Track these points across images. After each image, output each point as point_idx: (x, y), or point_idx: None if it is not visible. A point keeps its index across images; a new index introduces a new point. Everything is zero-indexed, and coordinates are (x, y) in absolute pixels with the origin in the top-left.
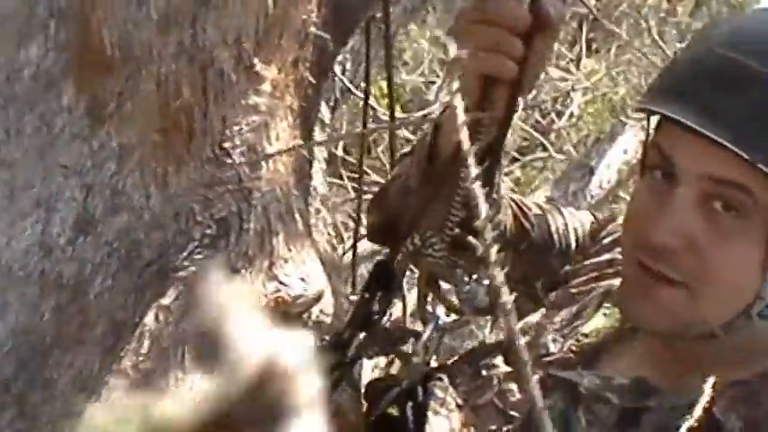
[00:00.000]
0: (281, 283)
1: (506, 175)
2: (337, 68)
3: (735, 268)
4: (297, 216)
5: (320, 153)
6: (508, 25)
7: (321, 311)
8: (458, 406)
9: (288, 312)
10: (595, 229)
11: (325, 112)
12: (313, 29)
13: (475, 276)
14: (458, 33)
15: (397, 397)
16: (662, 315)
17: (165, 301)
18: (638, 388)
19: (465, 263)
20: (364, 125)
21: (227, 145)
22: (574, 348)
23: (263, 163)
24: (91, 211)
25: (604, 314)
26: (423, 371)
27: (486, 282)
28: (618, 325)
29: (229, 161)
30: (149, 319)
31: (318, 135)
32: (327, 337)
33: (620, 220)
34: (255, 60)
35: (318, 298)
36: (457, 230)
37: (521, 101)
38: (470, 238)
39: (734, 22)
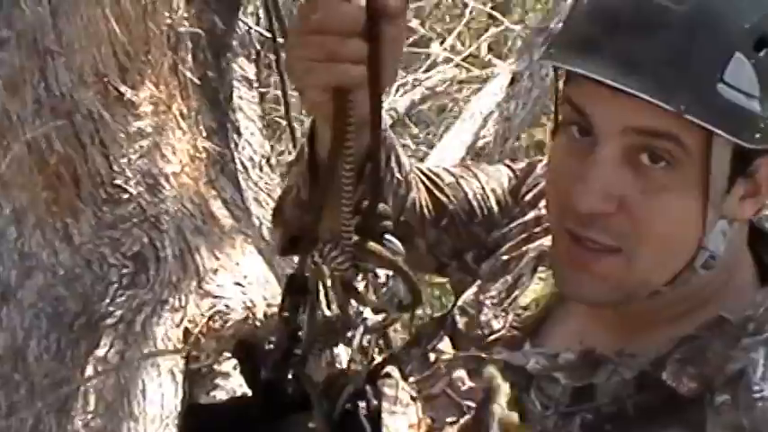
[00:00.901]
0: (215, 297)
1: None
2: (251, 20)
3: (672, 223)
4: (221, 216)
5: (253, 113)
6: (339, 30)
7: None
8: (413, 398)
9: (222, 335)
10: (515, 185)
11: (248, 69)
12: (184, 27)
13: (388, 275)
14: (292, 47)
15: (348, 402)
16: (601, 289)
17: (101, 352)
18: (586, 361)
19: (373, 266)
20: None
21: (119, 181)
22: (516, 324)
23: (164, 182)
24: (5, 281)
25: (540, 278)
26: (364, 376)
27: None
28: (557, 290)
29: (126, 196)
30: (90, 372)
31: (246, 93)
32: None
33: (540, 168)
34: (124, 88)
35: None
36: (355, 238)
37: (386, 89)
38: (371, 245)
39: None
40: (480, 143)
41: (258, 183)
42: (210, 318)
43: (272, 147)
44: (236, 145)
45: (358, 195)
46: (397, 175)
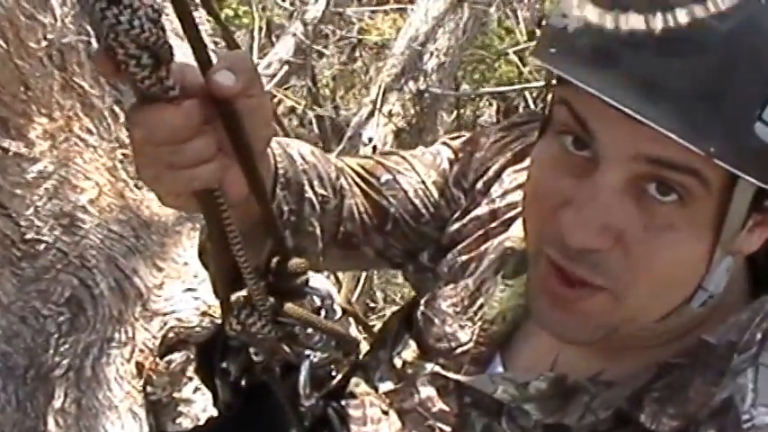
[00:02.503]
0: (164, 314)
1: None
2: None
3: (673, 263)
4: (160, 213)
5: None
6: (171, 141)
7: None
8: (384, 412)
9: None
10: (458, 171)
11: None
12: (68, 37)
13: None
14: (136, 162)
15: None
16: (582, 328)
17: (57, 403)
18: (559, 391)
19: (297, 321)
20: None
21: (29, 235)
22: (483, 339)
23: (81, 215)
24: None
25: (506, 284)
26: (319, 408)
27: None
28: (524, 301)
29: (42, 246)
30: (51, 425)
31: None
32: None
33: (485, 147)
34: (6, 143)
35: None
36: (271, 300)
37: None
38: (289, 307)
39: None
40: None
41: None
42: (164, 337)
43: None
44: None
45: (266, 255)
46: (321, 191)
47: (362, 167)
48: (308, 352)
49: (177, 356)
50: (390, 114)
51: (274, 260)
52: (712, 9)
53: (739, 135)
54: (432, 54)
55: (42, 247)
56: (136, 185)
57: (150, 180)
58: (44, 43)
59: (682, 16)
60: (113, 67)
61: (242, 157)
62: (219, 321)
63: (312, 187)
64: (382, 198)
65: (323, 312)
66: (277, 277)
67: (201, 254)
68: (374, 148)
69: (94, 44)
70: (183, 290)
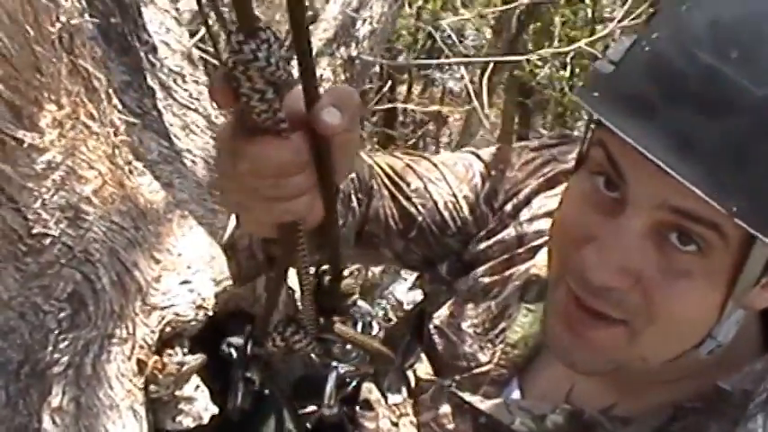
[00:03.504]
0: (162, 309)
1: None
2: None
3: (688, 309)
4: (153, 200)
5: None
6: (276, 175)
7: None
8: (393, 424)
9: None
10: (490, 190)
11: None
12: (77, 18)
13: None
14: (224, 186)
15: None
16: (594, 359)
17: (55, 402)
18: (576, 426)
19: (335, 337)
20: None
21: (36, 230)
22: (503, 362)
23: (85, 207)
24: None
25: (528, 309)
26: (339, 417)
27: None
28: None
29: (48, 240)
30: (47, 423)
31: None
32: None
33: (517, 167)
34: (20, 133)
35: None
36: (320, 320)
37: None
38: (338, 327)
39: (710, 4)
40: None
41: (183, 101)
42: (162, 332)
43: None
44: (153, 66)
45: (318, 273)
46: (359, 196)
47: (392, 169)
48: (335, 363)
49: (191, 359)
50: (321, 79)
51: (326, 279)
52: (751, 74)
53: (762, 198)
54: (364, 21)
55: (48, 241)
56: (131, 172)
57: (237, 207)
58: (58, 25)
59: (722, 78)
60: (232, 98)
61: (326, 189)
62: (213, 312)
63: (356, 196)
64: (411, 205)
65: (359, 327)
66: (327, 297)
67: (228, 250)
68: None
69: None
70: (179, 282)
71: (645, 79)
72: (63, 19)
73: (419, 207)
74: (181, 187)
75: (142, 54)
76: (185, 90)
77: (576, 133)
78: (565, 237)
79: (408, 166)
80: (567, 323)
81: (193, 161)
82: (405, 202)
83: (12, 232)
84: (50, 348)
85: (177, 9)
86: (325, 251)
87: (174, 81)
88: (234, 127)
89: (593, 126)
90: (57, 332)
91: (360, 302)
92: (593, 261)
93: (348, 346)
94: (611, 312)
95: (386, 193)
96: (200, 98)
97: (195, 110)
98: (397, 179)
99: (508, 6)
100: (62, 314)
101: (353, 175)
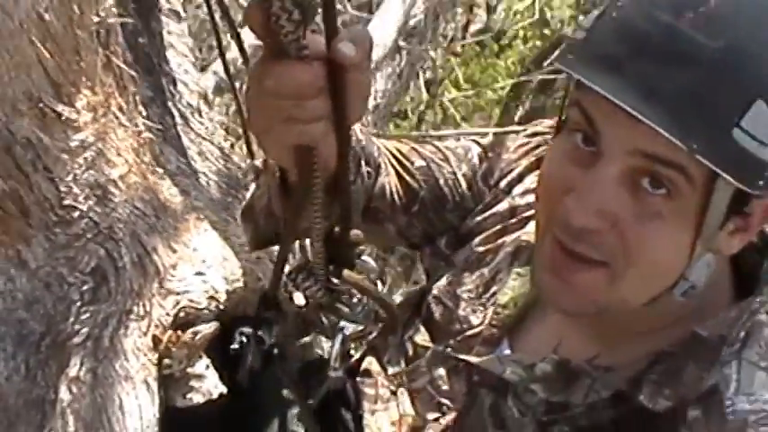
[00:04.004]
0: (178, 294)
1: None
2: None
3: (660, 249)
4: (172, 200)
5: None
6: (296, 96)
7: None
8: (392, 393)
9: (193, 344)
10: (486, 169)
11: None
12: (114, 18)
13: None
14: (250, 107)
15: (332, 400)
16: (581, 300)
17: (73, 372)
18: (563, 373)
19: (344, 287)
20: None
21: (67, 201)
22: (495, 322)
23: (112, 189)
24: None
25: (518, 273)
26: (343, 381)
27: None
28: (534, 289)
29: (77, 213)
30: (64, 393)
31: (174, 27)
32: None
33: (512, 150)
34: (60, 107)
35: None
36: (330, 267)
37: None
38: (346, 273)
39: None
40: (411, 22)
41: (199, 131)
42: (176, 316)
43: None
44: (173, 96)
45: (329, 222)
46: (366, 169)
47: (399, 151)
48: (342, 324)
49: (204, 327)
50: None
51: (337, 228)
52: (705, 30)
53: (720, 138)
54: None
55: (76, 214)
56: (153, 171)
57: (262, 131)
58: (96, 19)
59: (680, 34)
60: (265, 17)
61: (340, 123)
62: (224, 307)
63: (367, 162)
64: (414, 181)
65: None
66: (338, 245)
67: (246, 213)
68: None
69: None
70: (193, 273)
71: (613, 40)
72: (102, 14)
73: (421, 183)
74: (197, 197)
75: (164, 81)
76: (201, 123)
77: None
78: (548, 191)
79: (413, 148)
80: (554, 270)
81: (208, 183)
82: (408, 179)
83: (44, 200)
84: (72, 320)
85: (196, 57)
86: (337, 201)
87: (191, 114)
88: (264, 54)
89: (570, 91)
90: (79, 304)
91: (365, 257)
92: (574, 206)
93: (354, 300)
94: (592, 254)
95: (392, 170)
96: (215, 133)
97: (210, 141)
98: (402, 159)
99: (507, 129)
100: (85, 287)
101: (365, 148)
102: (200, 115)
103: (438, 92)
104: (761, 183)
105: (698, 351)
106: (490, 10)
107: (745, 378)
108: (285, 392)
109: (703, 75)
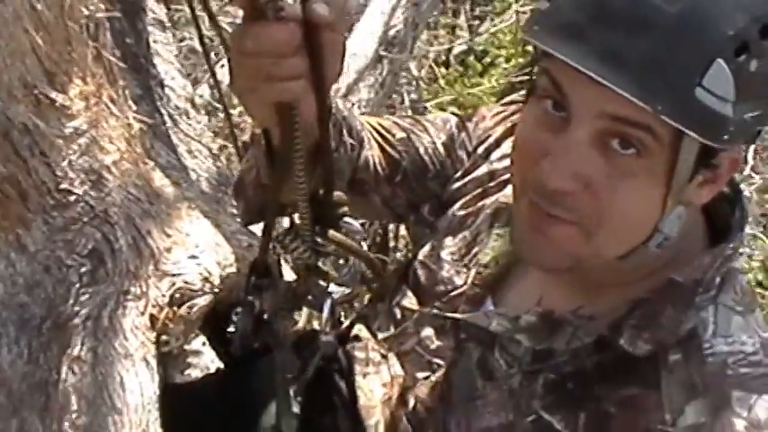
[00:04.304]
0: (173, 276)
1: None
2: None
3: (633, 207)
4: (163, 189)
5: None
6: (274, 53)
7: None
8: (383, 356)
9: (189, 319)
10: (464, 138)
11: (158, 10)
12: (102, 12)
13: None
14: (232, 68)
15: (321, 365)
16: (555, 254)
17: (74, 352)
18: (546, 323)
19: (333, 249)
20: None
21: (64, 185)
22: (478, 281)
23: (106, 174)
24: None
25: (498, 234)
26: (335, 343)
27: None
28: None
29: (73, 197)
30: (66, 373)
31: (160, 36)
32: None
33: (488, 118)
34: (54, 94)
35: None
36: (316, 228)
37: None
38: (332, 234)
39: None
40: (391, 32)
41: (188, 132)
42: (172, 296)
43: (192, 81)
44: (161, 98)
45: (313, 184)
46: (350, 140)
47: (380, 125)
48: (331, 288)
49: (200, 300)
50: None
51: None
52: None
53: (683, 97)
54: (353, 105)
55: (73, 198)
56: (145, 162)
57: (245, 90)
58: (86, 12)
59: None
60: None
61: (318, 83)
62: (218, 290)
63: (350, 133)
64: (396, 152)
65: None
66: (322, 205)
67: (238, 188)
68: None
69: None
70: (187, 256)
71: (574, 9)
72: (92, 8)
73: (403, 154)
74: (188, 188)
75: (152, 83)
76: (189, 125)
77: None
78: (523, 156)
79: (394, 122)
80: (530, 225)
81: (198, 179)
82: (390, 151)
83: (42, 185)
84: (71, 301)
85: (182, 64)
86: (319, 164)
87: (180, 116)
88: (244, 17)
89: (538, 60)
90: (78, 286)
91: (348, 219)
92: (548, 170)
93: (341, 261)
94: (566, 216)
95: (374, 143)
96: (203, 135)
97: (198, 141)
98: (383, 132)
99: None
100: (83, 269)
101: (347, 119)
102: (189, 117)
103: (424, 113)
104: (725, 137)
105: (674, 295)
106: (473, 31)
107: (722, 321)
108: (279, 377)
109: (663, 38)
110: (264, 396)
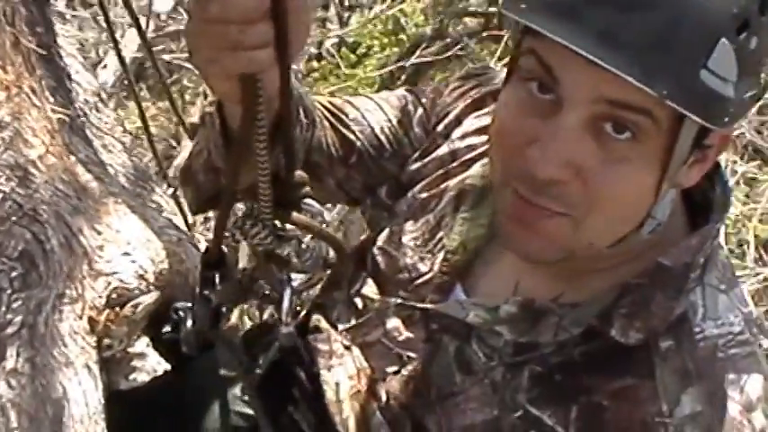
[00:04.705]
0: (107, 275)
1: None
2: None
3: (626, 193)
4: (88, 184)
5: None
6: (242, 20)
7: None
8: (346, 347)
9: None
10: (422, 115)
11: (58, 1)
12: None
13: (307, 240)
14: (192, 35)
15: (282, 360)
16: (545, 247)
17: (10, 364)
18: (528, 313)
19: (297, 234)
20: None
21: None
22: (446, 269)
23: (32, 169)
24: None
25: (464, 218)
26: (294, 338)
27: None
28: (484, 231)
29: (0, 195)
30: (3, 387)
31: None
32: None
33: (446, 93)
34: None
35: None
36: (276, 210)
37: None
38: (295, 216)
39: None
40: None
41: (100, 126)
42: (108, 297)
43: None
44: (70, 91)
45: (272, 164)
46: (304, 120)
47: (332, 104)
48: (292, 275)
49: (144, 299)
50: None
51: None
52: None
53: (687, 80)
54: None
55: (0, 196)
56: (68, 156)
57: (206, 61)
58: None
59: None
60: None
61: (283, 51)
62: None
63: (305, 112)
64: (350, 132)
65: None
66: (284, 186)
67: (184, 174)
68: None
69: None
70: (120, 254)
71: None
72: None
73: (357, 133)
74: (110, 183)
75: (63, 75)
76: (99, 119)
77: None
78: (507, 143)
79: (346, 100)
80: (517, 218)
81: (116, 174)
82: (344, 130)
83: None
84: (3, 309)
85: (84, 57)
86: (280, 141)
87: (90, 110)
88: None
89: (520, 37)
90: (9, 292)
91: (310, 200)
92: (538, 159)
93: (303, 246)
94: (554, 206)
95: (327, 124)
96: (114, 129)
97: (111, 135)
98: (336, 111)
99: None
100: (14, 273)
101: (302, 97)
102: (99, 111)
103: None
104: (726, 119)
105: (664, 281)
106: (343, 23)
107: (710, 303)
108: (223, 371)
109: (667, 16)
110: (208, 396)
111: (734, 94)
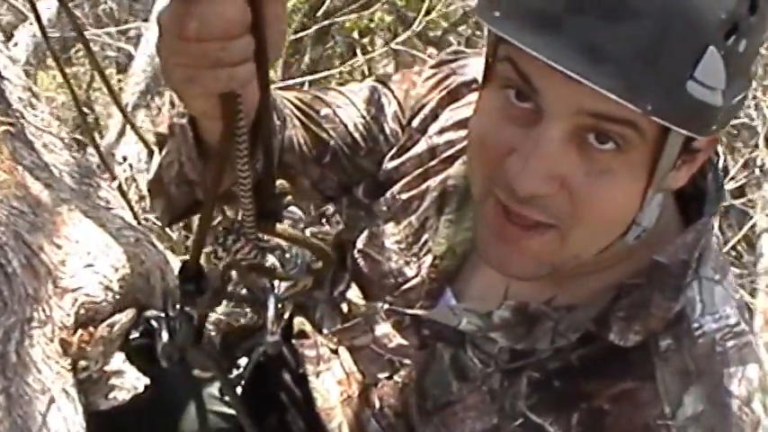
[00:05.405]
0: (73, 291)
1: None
2: None
3: (611, 204)
4: (41, 195)
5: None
6: (223, 36)
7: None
8: (333, 351)
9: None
10: (396, 110)
11: None
12: None
13: (290, 248)
14: (169, 53)
15: (269, 366)
16: (529, 265)
17: None
18: (522, 318)
19: (277, 244)
20: None
21: None
22: (434, 275)
23: None
24: None
25: (449, 220)
26: (281, 346)
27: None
28: (471, 234)
29: None
30: None
31: None
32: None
33: (419, 85)
34: None
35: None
36: (259, 223)
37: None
38: (279, 228)
39: None
40: None
41: (37, 124)
42: (77, 315)
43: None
44: (3, 91)
45: (254, 173)
46: (276, 121)
47: (301, 101)
48: (272, 284)
49: (119, 317)
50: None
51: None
52: None
53: (674, 93)
54: None
55: None
56: (17, 169)
57: (183, 81)
58: None
59: None
60: None
61: (263, 64)
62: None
63: (276, 113)
64: (322, 131)
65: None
66: (265, 197)
67: (154, 187)
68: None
69: None
70: (83, 266)
71: None
72: None
73: (330, 132)
74: (60, 188)
75: None
76: (35, 116)
77: (469, 51)
78: (486, 152)
79: (316, 96)
80: (500, 235)
81: (60, 174)
82: (316, 129)
83: None
84: None
85: (10, 50)
86: (259, 151)
87: (25, 107)
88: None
89: (495, 43)
90: None
91: (292, 207)
92: (519, 172)
93: (287, 255)
94: (539, 217)
95: (297, 122)
96: (51, 125)
97: (50, 133)
98: (306, 108)
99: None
100: None
101: (273, 98)
102: (34, 108)
103: None
104: (714, 127)
105: (662, 280)
106: None
107: (707, 297)
108: (196, 372)
109: (652, 27)
110: (184, 397)
111: (722, 102)
